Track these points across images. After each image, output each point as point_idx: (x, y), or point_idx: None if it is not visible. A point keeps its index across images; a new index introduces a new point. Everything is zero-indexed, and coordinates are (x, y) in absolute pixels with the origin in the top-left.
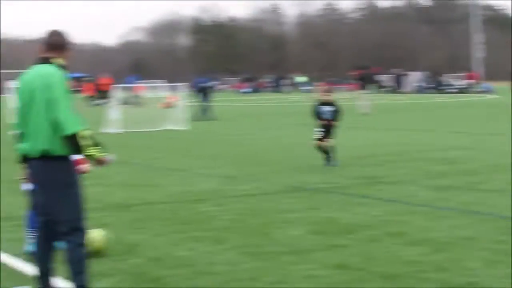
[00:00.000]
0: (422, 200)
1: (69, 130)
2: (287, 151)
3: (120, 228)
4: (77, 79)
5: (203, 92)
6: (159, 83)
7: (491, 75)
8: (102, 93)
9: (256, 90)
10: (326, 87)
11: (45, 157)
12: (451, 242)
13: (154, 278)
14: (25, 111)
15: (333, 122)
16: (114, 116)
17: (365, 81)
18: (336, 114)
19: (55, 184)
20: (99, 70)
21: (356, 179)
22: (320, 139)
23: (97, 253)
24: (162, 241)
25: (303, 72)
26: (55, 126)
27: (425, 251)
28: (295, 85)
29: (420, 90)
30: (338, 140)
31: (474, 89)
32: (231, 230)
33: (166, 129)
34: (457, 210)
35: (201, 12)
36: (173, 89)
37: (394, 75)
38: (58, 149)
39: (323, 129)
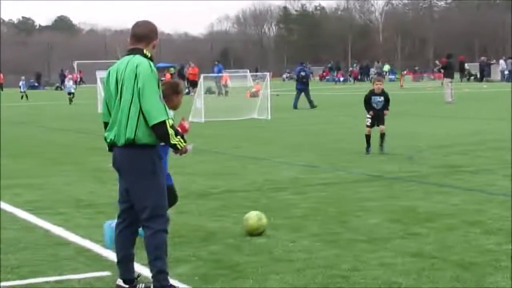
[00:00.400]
0: (500, 189)
1: (156, 119)
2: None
3: (201, 216)
4: (165, 68)
5: (304, 81)
6: (245, 73)
7: None
8: (189, 83)
9: (345, 80)
10: (379, 77)
11: (131, 145)
12: None
13: (232, 264)
14: (112, 101)
15: (384, 112)
16: (200, 106)
17: (450, 69)
18: (386, 104)
19: (139, 172)
20: (187, 60)
21: (436, 168)
22: (370, 126)
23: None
24: (242, 228)
25: (389, 61)
26: (143, 115)
27: (501, 240)
28: (381, 74)
29: (507, 78)
30: (421, 129)
31: None
32: (309, 218)
33: (250, 118)
34: None
35: (288, 2)
36: (260, 78)
37: (481, 63)
38: (144, 137)
39: (373, 118)
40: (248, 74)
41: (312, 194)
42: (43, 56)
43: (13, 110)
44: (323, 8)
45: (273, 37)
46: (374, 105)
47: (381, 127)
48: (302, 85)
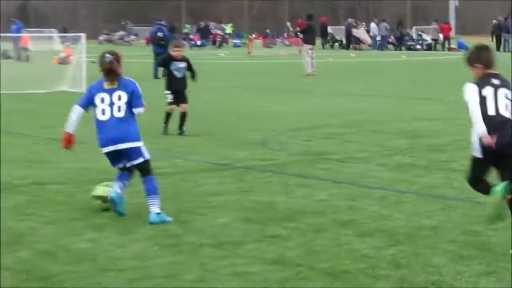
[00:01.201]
0: (378, 182)
1: None
2: (209, 120)
3: (3, 214)
4: None
5: (163, 43)
6: (51, 33)
7: (466, 29)
8: None
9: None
10: (178, 42)
11: None
12: (411, 233)
13: (45, 275)
14: None
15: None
16: None
17: (311, 34)
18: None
19: None
20: None
21: (296, 155)
22: (172, 103)
23: None
24: (56, 230)
25: (233, 21)
26: None
27: (380, 244)
28: (223, 38)
29: (379, 46)
30: (276, 107)
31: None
32: (141, 217)
33: (60, 91)
34: (419, 194)
35: None
36: (70, 40)
37: (347, 27)
38: None
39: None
40: (55, 34)
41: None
42: None
43: None
44: None
45: None
46: (176, 72)
47: (184, 105)
48: (160, 49)
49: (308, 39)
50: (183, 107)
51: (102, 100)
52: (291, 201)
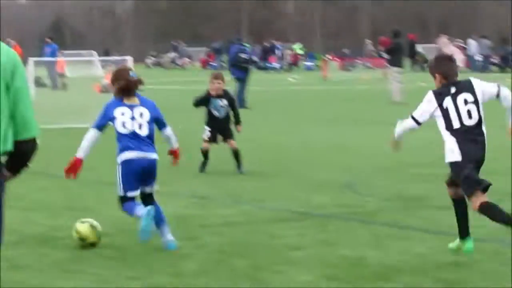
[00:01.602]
0: (489, 233)
1: (34, 132)
2: (281, 158)
3: (43, 273)
4: None
5: (245, 66)
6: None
7: None
8: None
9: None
10: (217, 73)
11: None
12: None
13: None
14: None
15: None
16: None
17: (398, 54)
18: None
19: None
20: (2, 35)
21: (388, 200)
22: (209, 140)
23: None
24: None
25: (303, 39)
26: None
27: None
28: (298, 58)
29: (481, 67)
30: (358, 141)
31: None
32: (208, 275)
33: None
34: None
35: None
36: (113, 64)
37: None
38: None
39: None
40: (96, 58)
41: (209, 239)
42: None
43: None
44: None
45: (130, 3)
46: (215, 112)
47: (231, 141)
48: (243, 73)
49: (395, 61)
50: (231, 144)
51: (123, 114)
52: (383, 255)
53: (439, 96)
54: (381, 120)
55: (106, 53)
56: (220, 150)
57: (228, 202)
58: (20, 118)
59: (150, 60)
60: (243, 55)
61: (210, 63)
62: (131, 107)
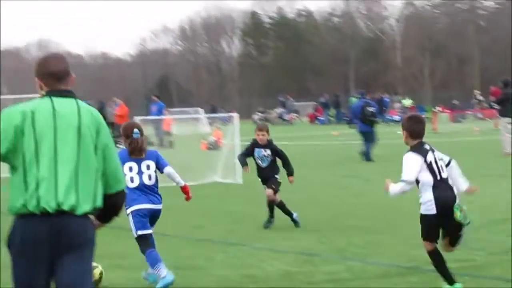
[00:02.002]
0: None
1: (122, 185)
2: (389, 212)
3: None
4: None
5: (372, 120)
6: (198, 113)
7: None
8: (116, 129)
9: (349, 121)
10: (261, 125)
11: (86, 215)
12: None
13: None
14: (45, 157)
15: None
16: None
17: (507, 104)
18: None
19: (91, 250)
20: (108, 94)
21: (499, 254)
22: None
23: None
24: None
25: (412, 91)
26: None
27: None
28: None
29: None
30: (468, 194)
31: None
32: None
33: (210, 182)
34: None
35: (258, 3)
36: (219, 121)
37: None
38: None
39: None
40: (203, 115)
41: None
42: None
43: None
44: (310, 13)
45: (237, 58)
46: (259, 161)
47: (268, 191)
48: (369, 127)
49: (506, 111)
50: (266, 192)
51: (130, 169)
52: None
53: (421, 152)
54: (492, 172)
55: (213, 110)
56: (326, 205)
57: (335, 258)
58: (110, 173)
59: (257, 116)
60: (370, 109)
61: (318, 117)
62: (138, 161)
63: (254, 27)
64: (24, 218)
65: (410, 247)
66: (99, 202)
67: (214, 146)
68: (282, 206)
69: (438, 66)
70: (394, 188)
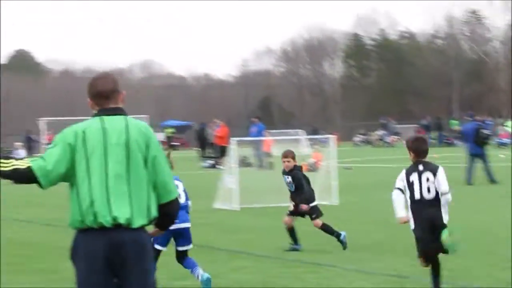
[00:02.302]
0: None
1: (174, 194)
2: (482, 237)
3: None
4: (180, 128)
5: (485, 142)
6: (298, 135)
7: None
8: (216, 150)
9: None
10: (286, 151)
11: (142, 228)
12: None
13: None
14: (98, 172)
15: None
16: (233, 185)
17: None
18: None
19: (151, 264)
20: (209, 115)
21: None
22: (289, 214)
23: None
24: None
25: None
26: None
27: None
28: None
29: None
30: None
31: None
32: None
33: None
34: None
35: (356, 27)
36: (320, 143)
37: None
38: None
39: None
40: (303, 136)
41: None
42: None
43: None
44: (413, 35)
45: (339, 80)
46: (287, 187)
47: (315, 222)
48: (481, 150)
49: None
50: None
51: None
52: None
53: (409, 171)
54: None
55: (314, 132)
56: None
57: (424, 281)
58: (161, 183)
59: (358, 138)
60: (485, 131)
61: None
62: None
63: (356, 48)
64: (84, 233)
65: (500, 270)
66: (154, 213)
67: (313, 168)
68: (326, 228)
69: None
70: (395, 207)
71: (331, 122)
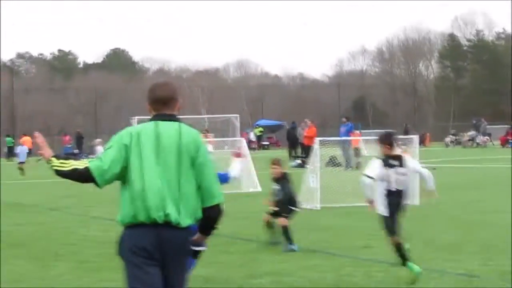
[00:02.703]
0: None
1: (219, 198)
2: None
3: None
4: (272, 127)
5: None
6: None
7: None
8: (304, 150)
9: None
10: (274, 159)
11: (187, 227)
12: None
13: None
14: (152, 171)
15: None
16: (313, 184)
17: None
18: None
19: (187, 261)
20: (305, 114)
21: None
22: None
23: None
24: None
25: None
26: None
27: None
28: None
29: None
30: None
31: None
32: None
33: None
34: None
35: (457, 26)
36: (409, 142)
37: None
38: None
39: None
40: (396, 136)
41: None
42: (88, 107)
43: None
44: (509, 36)
45: (433, 80)
46: (274, 192)
47: (279, 219)
48: None
49: None
50: (279, 221)
51: None
52: None
53: (385, 164)
54: None
55: (406, 132)
56: (496, 228)
57: (495, 281)
58: (205, 188)
59: (449, 139)
60: None
61: (510, 140)
62: None
63: (451, 49)
64: (133, 229)
65: None
66: (200, 214)
67: None
68: (286, 232)
69: None
70: (364, 190)
71: (424, 122)
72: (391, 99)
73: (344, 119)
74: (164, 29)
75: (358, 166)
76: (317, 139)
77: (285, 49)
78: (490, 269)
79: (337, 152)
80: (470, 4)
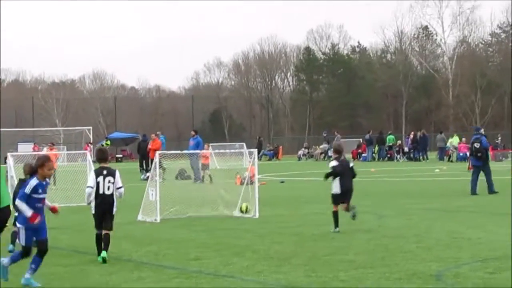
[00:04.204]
0: None
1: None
2: (386, 248)
3: None
4: (126, 140)
5: (479, 155)
6: (241, 148)
7: None
8: (151, 162)
9: (389, 157)
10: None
11: None
12: None
13: None
14: None
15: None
16: (152, 197)
17: None
18: None
19: None
20: (157, 128)
21: None
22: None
23: None
24: None
25: (460, 129)
26: None
27: None
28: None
29: None
30: (470, 233)
31: None
32: None
33: (234, 217)
34: None
35: (307, 40)
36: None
37: None
38: None
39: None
40: (245, 150)
41: None
42: None
43: None
44: (364, 49)
45: (289, 94)
46: None
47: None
48: (479, 162)
49: None
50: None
51: None
52: None
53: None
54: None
55: (259, 145)
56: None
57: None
58: None
59: (301, 152)
60: (476, 145)
61: (362, 154)
62: None
63: (307, 62)
64: None
65: (390, 280)
66: None
67: (247, 181)
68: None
69: (489, 104)
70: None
71: (281, 135)
72: (247, 112)
73: (193, 132)
74: (19, 40)
75: (209, 179)
76: (157, 153)
77: (142, 62)
78: (312, 280)
79: (187, 165)
80: (325, 17)
